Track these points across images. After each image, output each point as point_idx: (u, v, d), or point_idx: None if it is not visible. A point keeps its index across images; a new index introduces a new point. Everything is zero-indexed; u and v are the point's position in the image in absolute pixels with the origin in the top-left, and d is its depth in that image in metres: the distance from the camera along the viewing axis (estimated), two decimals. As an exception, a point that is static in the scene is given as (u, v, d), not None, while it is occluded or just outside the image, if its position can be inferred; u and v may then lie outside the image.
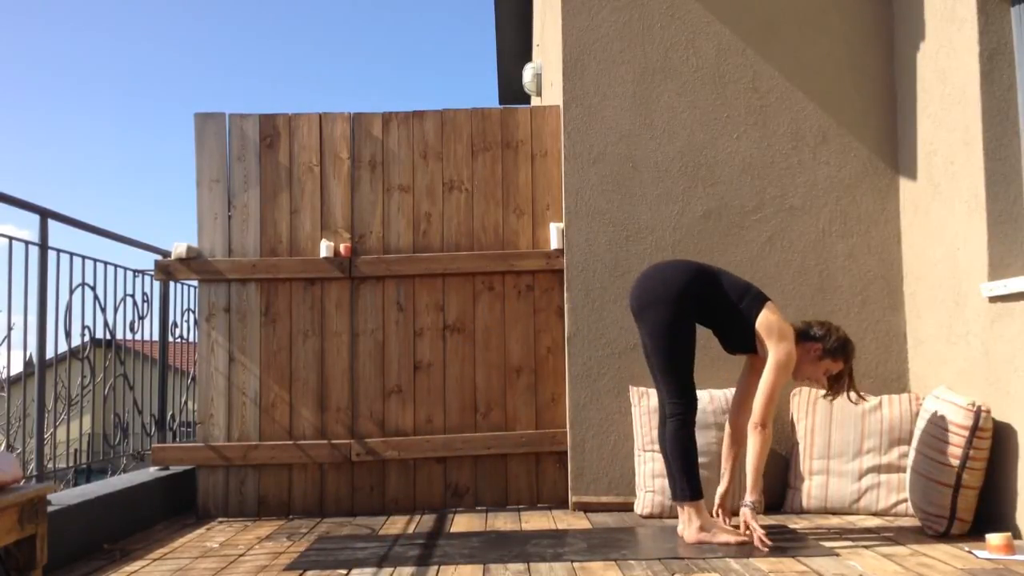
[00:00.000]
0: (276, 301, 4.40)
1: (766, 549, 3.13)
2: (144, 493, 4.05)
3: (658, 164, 4.28)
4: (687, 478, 3.32)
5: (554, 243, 4.37)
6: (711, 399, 3.97)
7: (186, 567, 3.19)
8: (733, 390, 4.01)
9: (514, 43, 8.32)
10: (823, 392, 3.55)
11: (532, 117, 4.54)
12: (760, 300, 3.40)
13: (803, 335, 3.41)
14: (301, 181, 4.47)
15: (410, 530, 3.82)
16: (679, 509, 3.39)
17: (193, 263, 4.39)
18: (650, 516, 3.94)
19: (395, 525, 3.96)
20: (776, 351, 3.29)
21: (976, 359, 3.53)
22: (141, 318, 4.47)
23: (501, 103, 9.33)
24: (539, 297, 4.42)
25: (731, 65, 4.31)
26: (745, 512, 3.26)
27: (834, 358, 3.40)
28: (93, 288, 4.02)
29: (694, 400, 3.38)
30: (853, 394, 3.47)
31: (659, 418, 3.47)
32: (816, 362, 3.41)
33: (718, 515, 3.52)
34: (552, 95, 5.28)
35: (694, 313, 3.39)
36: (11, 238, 3.32)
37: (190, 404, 5.00)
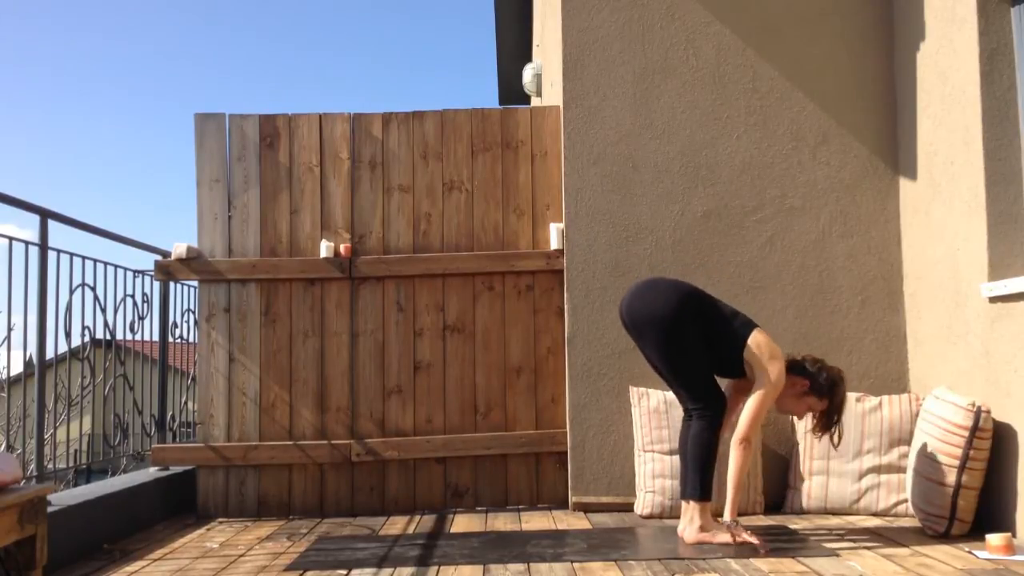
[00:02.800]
0: (276, 301, 4.40)
1: (765, 551, 3.13)
2: (144, 493, 4.05)
3: (658, 164, 4.28)
4: (700, 478, 3.32)
5: (554, 243, 4.37)
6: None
7: (186, 567, 3.19)
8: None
9: (514, 43, 8.32)
10: (811, 427, 3.49)
11: (532, 117, 4.54)
12: (750, 324, 3.40)
13: (794, 367, 3.37)
14: (301, 181, 4.47)
15: (410, 530, 3.82)
16: (683, 507, 3.39)
17: (193, 263, 4.39)
18: (650, 516, 3.94)
19: (395, 525, 3.96)
20: (769, 370, 3.28)
21: (976, 359, 3.53)
22: (141, 318, 4.47)
23: (501, 103, 9.33)
24: (539, 297, 4.42)
25: (731, 65, 4.31)
26: (731, 529, 3.23)
27: (820, 396, 3.36)
28: (93, 288, 4.02)
29: (720, 401, 3.37)
30: (836, 437, 3.42)
31: (683, 417, 3.48)
32: (800, 397, 3.38)
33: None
34: (552, 95, 5.28)
35: (693, 324, 3.38)
36: (11, 238, 3.32)
37: (190, 404, 5.00)
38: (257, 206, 4.45)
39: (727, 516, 3.26)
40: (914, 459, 3.51)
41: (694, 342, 3.36)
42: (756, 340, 3.33)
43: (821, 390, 3.35)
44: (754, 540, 3.16)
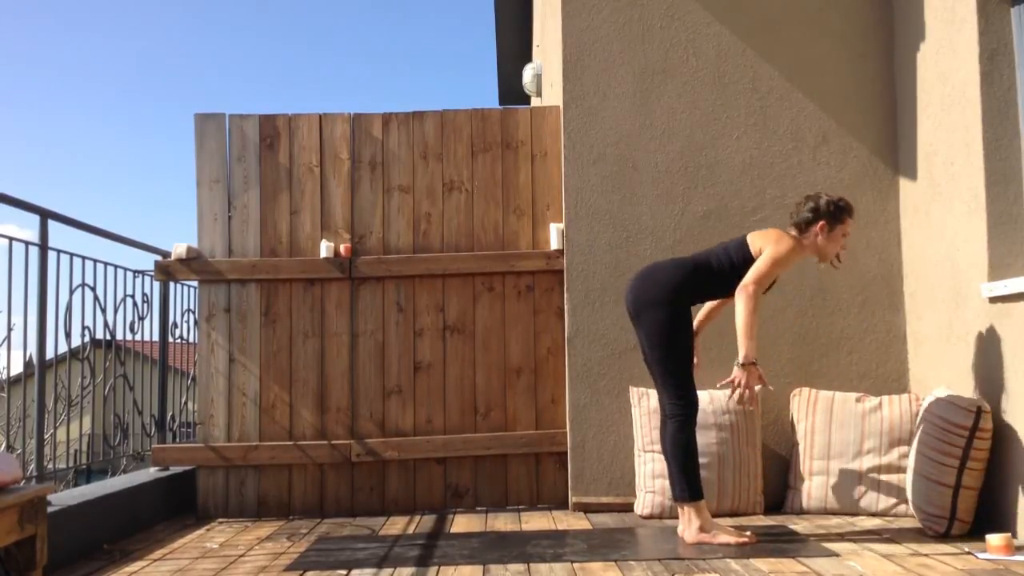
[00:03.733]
0: (276, 302, 4.40)
1: (752, 407, 3.36)
2: (144, 494, 4.05)
3: (658, 164, 4.28)
4: (687, 479, 3.32)
5: (554, 243, 4.37)
6: (711, 399, 3.96)
7: (186, 568, 3.19)
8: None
9: (514, 44, 8.32)
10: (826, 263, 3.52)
11: (532, 117, 4.54)
12: (742, 245, 3.40)
13: (802, 226, 3.42)
14: (301, 181, 4.47)
15: (410, 530, 3.82)
16: (679, 509, 3.39)
17: (193, 263, 4.39)
18: (650, 517, 3.94)
19: (395, 526, 3.96)
20: (776, 246, 3.30)
21: (976, 359, 3.53)
22: (141, 319, 4.47)
23: (501, 104, 9.33)
24: (539, 298, 4.42)
25: (731, 65, 4.31)
26: (735, 371, 3.25)
27: (841, 221, 3.41)
28: (93, 289, 4.02)
29: (694, 401, 3.38)
30: (841, 253, 3.49)
31: (660, 418, 3.47)
32: (829, 236, 3.40)
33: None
34: (552, 96, 5.28)
35: (690, 311, 3.40)
36: (11, 239, 3.32)
37: (190, 405, 5.00)
38: (257, 206, 4.45)
39: (740, 359, 3.22)
40: (914, 459, 3.51)
41: (685, 332, 3.37)
42: (754, 243, 3.36)
43: (837, 215, 3.40)
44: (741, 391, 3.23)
